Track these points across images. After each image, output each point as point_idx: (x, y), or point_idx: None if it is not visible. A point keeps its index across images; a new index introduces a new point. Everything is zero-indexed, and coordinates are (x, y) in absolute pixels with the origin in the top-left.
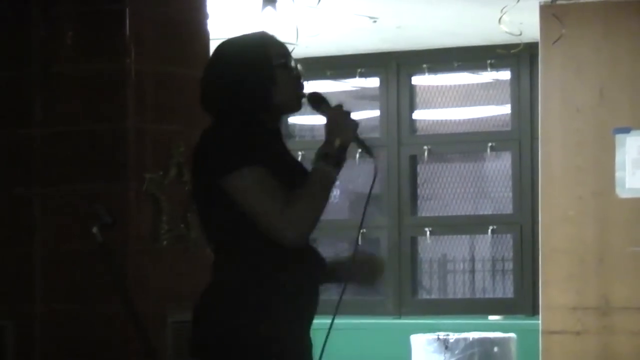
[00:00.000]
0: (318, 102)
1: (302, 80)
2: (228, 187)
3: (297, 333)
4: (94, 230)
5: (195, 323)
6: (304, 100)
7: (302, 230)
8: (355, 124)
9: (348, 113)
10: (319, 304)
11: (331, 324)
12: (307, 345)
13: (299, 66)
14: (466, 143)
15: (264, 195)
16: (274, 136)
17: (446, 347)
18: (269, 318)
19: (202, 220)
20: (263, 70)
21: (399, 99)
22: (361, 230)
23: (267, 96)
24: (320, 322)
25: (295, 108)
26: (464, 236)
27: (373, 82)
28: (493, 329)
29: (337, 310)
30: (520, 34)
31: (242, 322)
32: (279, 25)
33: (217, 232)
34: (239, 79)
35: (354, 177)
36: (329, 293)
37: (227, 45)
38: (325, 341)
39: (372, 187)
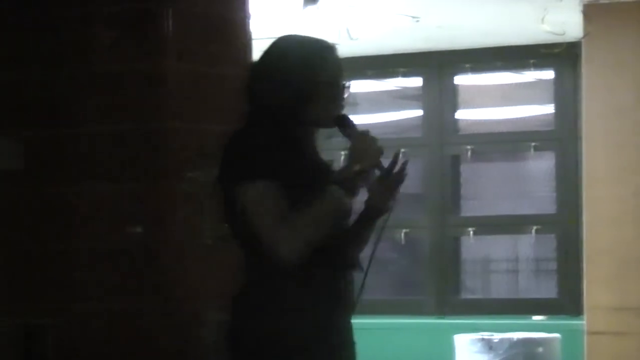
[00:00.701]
0: (343, 125)
1: (343, 104)
2: (237, 196)
3: (332, 329)
4: (136, 229)
5: (229, 322)
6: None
7: (294, 249)
8: (379, 151)
9: (374, 139)
10: (351, 299)
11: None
12: (345, 341)
13: (348, 89)
14: (509, 143)
15: (265, 210)
16: (304, 141)
17: (490, 348)
18: (303, 317)
19: (226, 218)
20: (305, 80)
21: (441, 98)
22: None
23: (300, 107)
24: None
25: (327, 127)
26: (507, 236)
27: (415, 82)
28: (537, 329)
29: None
30: (563, 34)
31: (276, 321)
32: (320, 24)
33: (239, 231)
34: (280, 79)
35: None
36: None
37: (285, 42)
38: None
39: (385, 222)
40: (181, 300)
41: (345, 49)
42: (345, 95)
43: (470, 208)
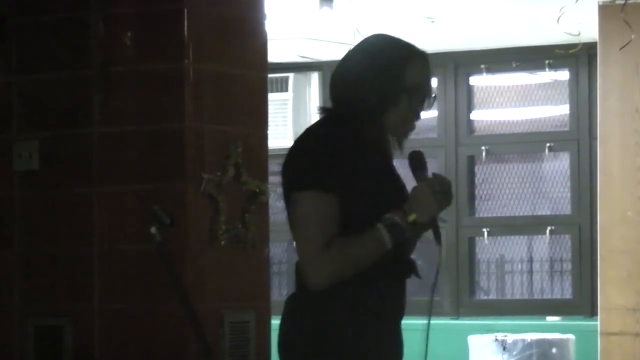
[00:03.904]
0: (416, 164)
1: (418, 117)
2: (292, 202)
3: (387, 335)
4: (153, 230)
5: (281, 324)
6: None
7: (326, 278)
8: (439, 207)
9: (438, 192)
10: (405, 303)
11: (428, 325)
12: (398, 344)
13: (434, 100)
14: (524, 143)
15: (311, 226)
16: (376, 148)
17: (504, 348)
18: (358, 324)
19: (288, 218)
20: (390, 82)
21: (457, 99)
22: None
23: (380, 109)
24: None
25: (399, 138)
26: (522, 237)
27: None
28: (551, 330)
29: (431, 311)
30: (579, 34)
31: (329, 326)
32: (336, 26)
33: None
34: (365, 77)
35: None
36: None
37: (376, 40)
38: (427, 343)
39: (437, 272)
40: (200, 300)
41: None
42: (429, 107)
43: (485, 209)
